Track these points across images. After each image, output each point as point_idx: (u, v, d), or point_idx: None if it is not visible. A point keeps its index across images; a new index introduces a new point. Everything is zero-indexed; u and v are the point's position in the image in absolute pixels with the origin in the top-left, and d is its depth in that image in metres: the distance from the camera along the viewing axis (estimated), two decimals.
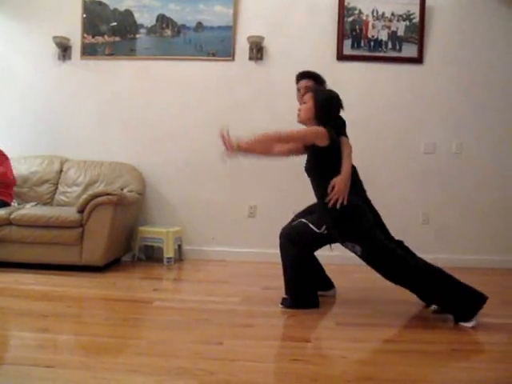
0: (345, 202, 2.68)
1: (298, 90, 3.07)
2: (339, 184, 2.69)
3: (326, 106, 2.80)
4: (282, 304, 2.87)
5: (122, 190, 3.99)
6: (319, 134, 2.71)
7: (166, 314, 2.72)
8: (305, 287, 2.91)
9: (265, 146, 2.80)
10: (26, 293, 3.05)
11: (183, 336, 2.33)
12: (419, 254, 4.17)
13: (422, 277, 2.66)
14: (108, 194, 3.65)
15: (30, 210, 3.72)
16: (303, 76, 3.09)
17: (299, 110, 2.86)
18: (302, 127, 2.83)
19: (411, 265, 2.67)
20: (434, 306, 2.87)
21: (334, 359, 2.13)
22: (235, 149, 2.63)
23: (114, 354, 2.10)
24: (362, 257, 2.73)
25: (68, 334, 2.36)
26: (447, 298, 2.64)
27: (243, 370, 1.94)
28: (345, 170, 2.73)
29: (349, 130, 3.03)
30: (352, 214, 2.72)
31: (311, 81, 3.04)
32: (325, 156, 2.75)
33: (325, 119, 2.77)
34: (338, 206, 2.67)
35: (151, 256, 4.33)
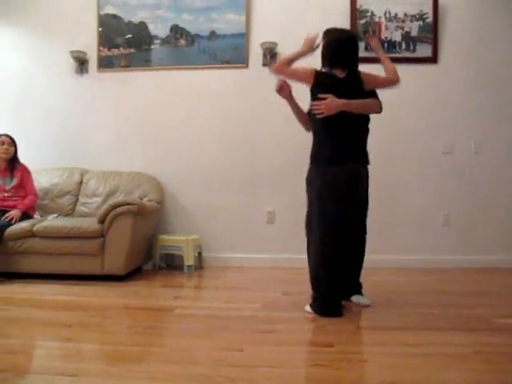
0: (322, 115, 2.71)
1: None
2: (333, 100, 2.69)
3: (332, 47, 2.82)
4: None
5: (141, 199, 4.04)
6: (304, 75, 2.78)
7: (187, 321, 2.73)
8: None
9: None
10: (49, 303, 3.11)
11: (204, 343, 2.34)
12: (441, 256, 4.19)
13: (320, 257, 2.75)
14: (128, 204, 3.69)
15: (51, 222, 3.79)
16: None
17: None
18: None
19: (318, 238, 2.77)
20: None
21: (356, 364, 2.11)
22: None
23: (137, 362, 2.12)
24: None
25: (91, 343, 2.39)
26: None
27: (264, 377, 1.93)
28: (349, 101, 2.72)
29: None
30: (320, 175, 2.81)
31: None
32: (311, 97, 2.82)
33: (329, 61, 2.80)
34: (317, 116, 2.73)
35: (171, 264, 4.36)
